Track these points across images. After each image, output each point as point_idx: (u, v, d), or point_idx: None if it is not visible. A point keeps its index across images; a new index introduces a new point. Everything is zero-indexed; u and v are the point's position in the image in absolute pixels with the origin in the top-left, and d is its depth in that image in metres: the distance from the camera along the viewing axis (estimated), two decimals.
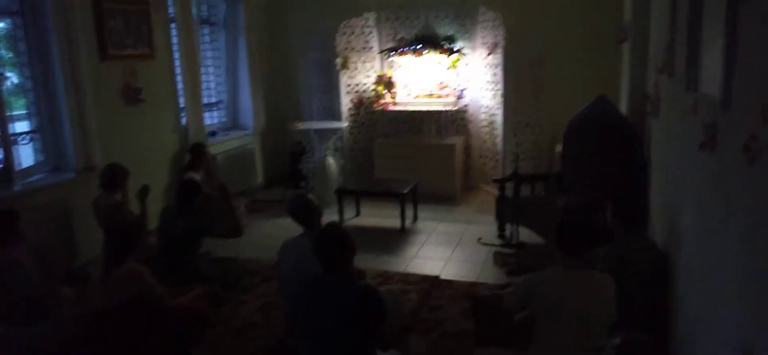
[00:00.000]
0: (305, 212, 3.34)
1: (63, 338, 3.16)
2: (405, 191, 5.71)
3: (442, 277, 4.59)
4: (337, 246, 2.55)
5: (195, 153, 5.75)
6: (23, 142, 4.65)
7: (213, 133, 6.78)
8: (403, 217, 5.70)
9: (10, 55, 4.72)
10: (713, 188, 2.29)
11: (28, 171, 4.62)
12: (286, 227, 5.89)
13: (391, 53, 6.91)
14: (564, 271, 2.80)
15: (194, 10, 6.19)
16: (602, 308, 2.76)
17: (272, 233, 5.84)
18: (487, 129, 6.86)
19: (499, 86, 6.41)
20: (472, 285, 4.39)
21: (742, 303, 1.88)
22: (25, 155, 4.69)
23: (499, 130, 6.54)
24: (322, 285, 2.54)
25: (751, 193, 1.80)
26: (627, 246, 3.24)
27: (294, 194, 3.65)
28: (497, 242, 5.26)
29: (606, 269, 3.05)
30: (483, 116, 6.90)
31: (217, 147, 6.58)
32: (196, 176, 5.61)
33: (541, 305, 2.78)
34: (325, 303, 2.48)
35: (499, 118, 6.50)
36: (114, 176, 4.39)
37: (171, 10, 5.91)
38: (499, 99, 6.46)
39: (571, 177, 4.87)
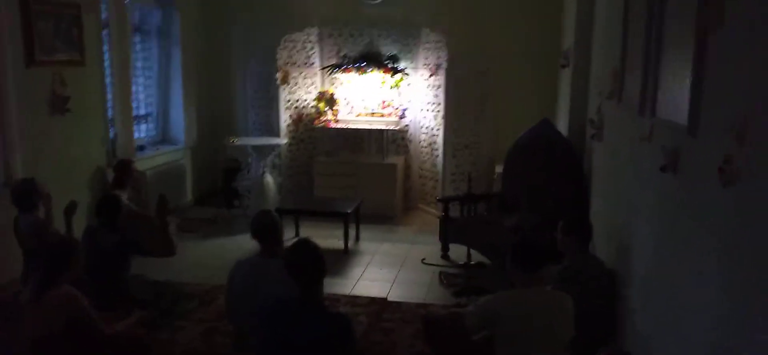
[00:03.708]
0: (271, 230, 3.18)
1: None
2: (349, 211, 5.62)
3: (390, 298, 4.52)
4: (314, 261, 2.48)
5: (120, 170, 5.37)
6: None
7: (142, 148, 6.43)
8: (346, 237, 5.59)
9: None
10: (676, 207, 2.37)
11: None
12: (220, 246, 5.73)
13: (334, 70, 6.84)
14: (523, 291, 2.82)
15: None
16: (564, 325, 2.80)
17: (206, 254, 5.59)
18: (427, 149, 6.91)
19: (441, 107, 6.49)
20: (421, 306, 4.35)
21: (712, 313, 1.94)
22: None
23: (439, 151, 6.60)
24: (291, 309, 2.42)
25: (725, 212, 1.87)
26: (582, 263, 3.32)
27: (259, 211, 3.50)
28: (441, 262, 5.26)
29: (561, 286, 3.11)
30: (423, 137, 6.95)
31: (145, 162, 6.22)
32: (123, 194, 5.26)
33: (505, 324, 2.77)
34: (294, 329, 2.36)
35: (439, 139, 6.57)
36: (27, 193, 3.98)
37: (104, 13, 5.56)
38: (440, 120, 6.53)
39: (514, 197, 4.96)
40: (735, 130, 1.78)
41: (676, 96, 2.37)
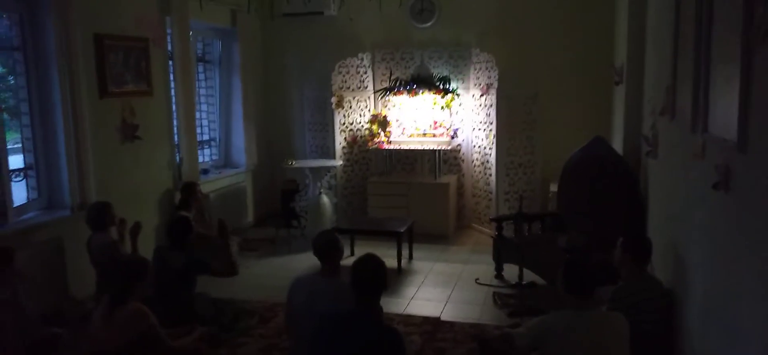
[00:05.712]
0: (331, 250, 3.28)
1: None
2: (402, 230, 5.69)
3: (443, 318, 4.55)
4: (375, 274, 2.56)
5: (186, 193, 5.68)
6: (17, 179, 4.56)
7: (205, 171, 6.72)
8: (399, 256, 5.67)
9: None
10: (729, 226, 2.33)
11: (21, 208, 4.52)
12: (279, 265, 5.91)
13: (386, 93, 6.98)
14: (575, 313, 2.80)
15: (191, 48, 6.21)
16: (617, 347, 2.77)
17: (266, 273, 5.77)
18: (480, 169, 6.92)
19: (493, 126, 6.50)
20: (474, 326, 4.36)
21: (763, 337, 1.90)
22: (17, 192, 4.59)
23: (492, 170, 6.59)
24: (347, 321, 2.51)
25: None
26: (639, 283, 3.26)
27: (322, 230, 3.63)
28: (495, 282, 5.24)
29: (616, 307, 3.07)
30: (476, 156, 6.96)
31: (208, 185, 6.51)
32: (188, 216, 5.55)
33: (555, 347, 2.76)
34: (348, 340, 2.44)
35: (492, 158, 6.57)
36: (99, 215, 4.29)
37: (170, 46, 5.92)
38: (492, 139, 6.53)
39: (569, 216, 4.91)
40: None
41: (726, 112, 2.34)
